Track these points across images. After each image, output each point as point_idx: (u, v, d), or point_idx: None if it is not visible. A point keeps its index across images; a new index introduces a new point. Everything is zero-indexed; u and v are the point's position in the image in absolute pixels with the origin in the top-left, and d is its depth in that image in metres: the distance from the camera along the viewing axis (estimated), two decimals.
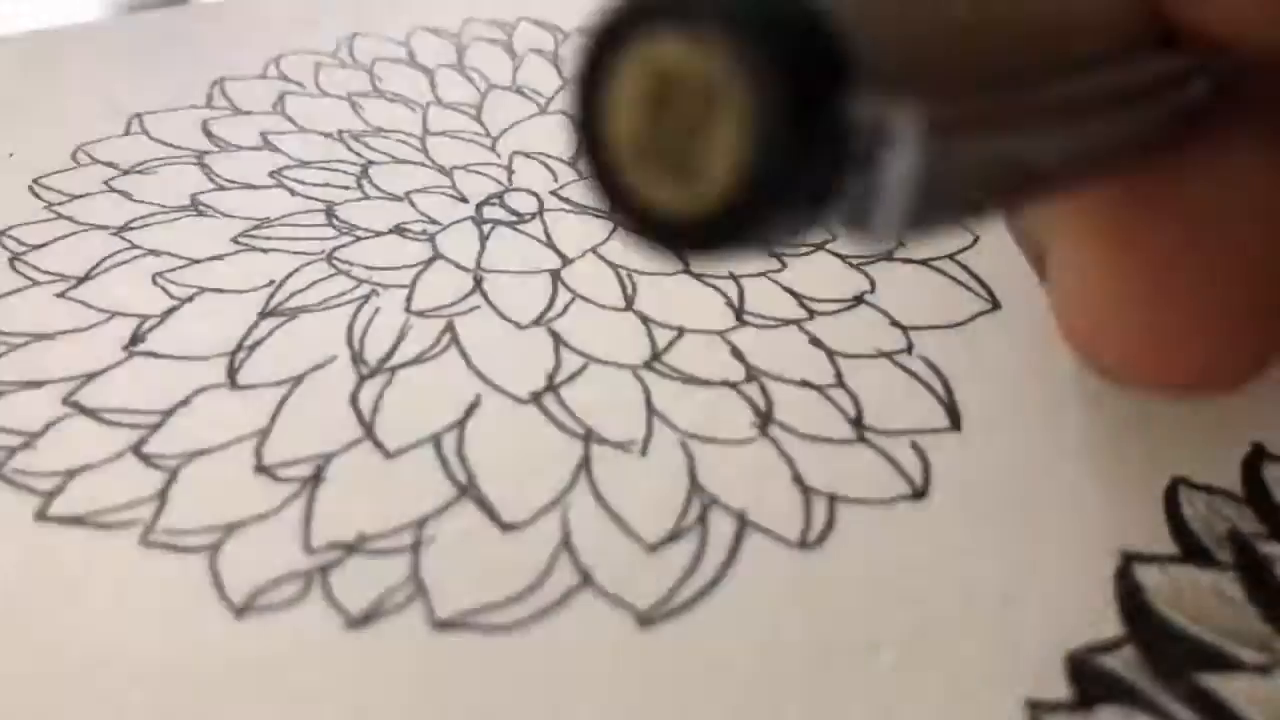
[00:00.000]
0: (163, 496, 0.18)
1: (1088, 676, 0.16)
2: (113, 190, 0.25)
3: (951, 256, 0.23)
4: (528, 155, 0.26)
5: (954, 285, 0.22)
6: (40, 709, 0.16)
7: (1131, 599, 0.17)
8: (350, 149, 0.26)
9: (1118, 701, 0.15)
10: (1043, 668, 0.16)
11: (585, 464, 0.19)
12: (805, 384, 0.20)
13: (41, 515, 0.18)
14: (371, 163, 0.26)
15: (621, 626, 0.17)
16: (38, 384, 0.20)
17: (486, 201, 0.24)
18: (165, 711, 0.16)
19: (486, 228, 0.24)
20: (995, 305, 0.22)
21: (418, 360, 0.21)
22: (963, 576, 0.17)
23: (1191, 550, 0.17)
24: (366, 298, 0.22)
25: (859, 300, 0.22)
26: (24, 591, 0.17)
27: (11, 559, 0.17)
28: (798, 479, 0.19)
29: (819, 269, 0.23)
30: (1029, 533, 0.18)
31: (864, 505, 0.18)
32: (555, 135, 0.27)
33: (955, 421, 0.20)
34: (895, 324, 0.21)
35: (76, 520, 0.18)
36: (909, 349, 0.21)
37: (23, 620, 0.17)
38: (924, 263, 0.23)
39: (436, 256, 0.23)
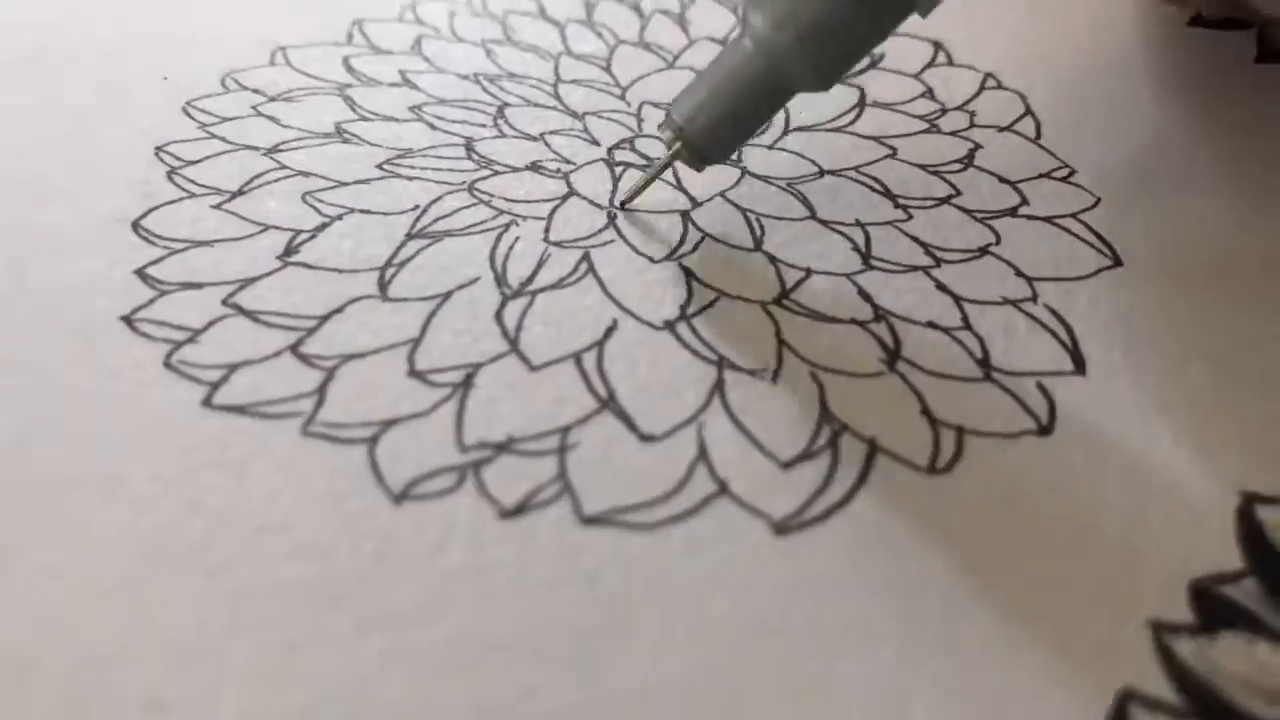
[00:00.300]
0: (321, 392, 0.19)
1: (1211, 603, 0.16)
2: (260, 114, 0.26)
3: (1075, 215, 0.23)
4: (656, 105, 0.27)
5: (1077, 242, 0.23)
6: (208, 569, 0.17)
7: (1253, 536, 0.17)
8: (486, 90, 0.27)
9: (1240, 628, 0.16)
10: (1165, 593, 0.17)
11: (719, 387, 0.20)
12: (932, 325, 0.21)
13: (207, 403, 0.19)
14: (507, 104, 0.27)
15: (758, 533, 0.17)
16: (198, 285, 0.21)
17: (618, 145, 0.25)
18: (327, 584, 0.17)
19: (618, 169, 0.25)
20: (1118, 262, 0.22)
21: (557, 285, 0.22)
22: (1087, 507, 0.18)
23: None
24: (506, 226, 0.23)
25: (984, 251, 0.22)
26: (194, 467, 0.18)
27: (181, 439, 0.18)
28: (926, 411, 0.19)
29: (944, 221, 0.23)
30: (1152, 471, 0.18)
31: (991, 438, 0.19)
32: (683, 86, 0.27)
33: (1080, 366, 0.20)
34: (1020, 274, 0.22)
35: (240, 409, 0.19)
36: (1034, 298, 0.21)
37: (191, 492, 0.18)
38: (1048, 220, 0.23)
39: (571, 193, 0.24)
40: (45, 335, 0.20)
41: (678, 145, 0.22)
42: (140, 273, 0.21)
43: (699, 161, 0.22)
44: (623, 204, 0.24)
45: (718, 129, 0.22)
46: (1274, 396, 0.20)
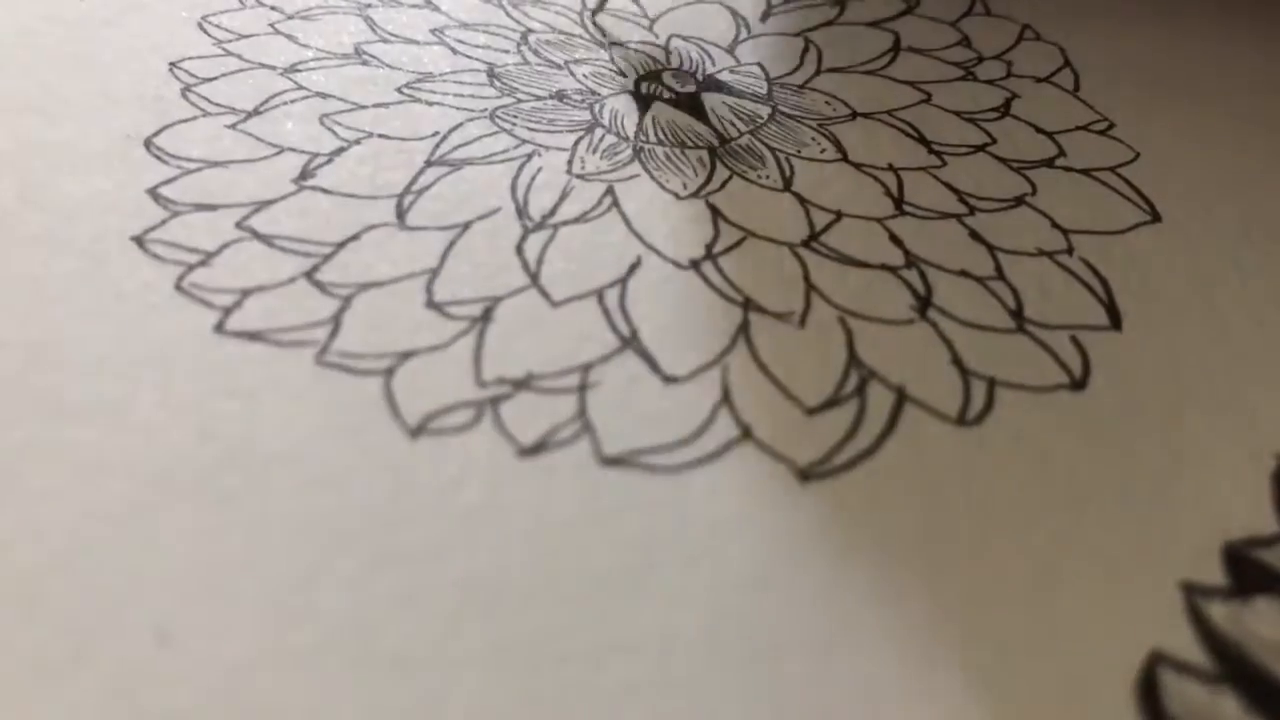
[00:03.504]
0: (336, 321, 0.19)
1: (1245, 567, 0.16)
2: (278, 33, 0.25)
3: (1113, 169, 0.23)
4: (685, 38, 0.26)
5: (1115, 196, 0.22)
6: (219, 499, 0.16)
7: None
8: (510, 15, 0.26)
9: (1276, 593, 0.16)
10: (1199, 554, 0.16)
11: (744, 329, 0.19)
12: (965, 274, 0.20)
13: (220, 328, 0.19)
14: (531, 30, 0.26)
15: (782, 480, 0.17)
16: (211, 207, 0.21)
17: (644, 77, 0.25)
18: (340, 518, 0.16)
19: (645, 101, 0.24)
20: (1156, 218, 0.22)
21: (580, 219, 0.21)
22: (1121, 464, 0.17)
23: None
24: (529, 157, 0.22)
25: (1019, 201, 0.22)
26: (205, 394, 0.18)
27: (192, 365, 0.18)
28: (957, 361, 0.19)
29: (979, 169, 0.23)
30: (1188, 430, 0.18)
31: (1023, 390, 0.18)
32: (712, 22, 0.27)
33: (1115, 321, 0.20)
34: (1056, 226, 0.21)
35: (254, 336, 0.19)
36: (1070, 250, 0.21)
37: (202, 420, 0.17)
38: (1085, 172, 0.23)
39: (596, 124, 0.23)
40: (54, 255, 0.19)
41: None
42: (152, 192, 0.21)
43: None
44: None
45: None
46: None
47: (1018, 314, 0.20)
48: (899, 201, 0.22)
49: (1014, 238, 0.21)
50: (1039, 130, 0.24)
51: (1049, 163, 0.23)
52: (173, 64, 0.24)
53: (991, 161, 0.23)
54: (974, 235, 0.21)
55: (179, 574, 0.15)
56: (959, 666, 0.15)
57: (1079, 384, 0.19)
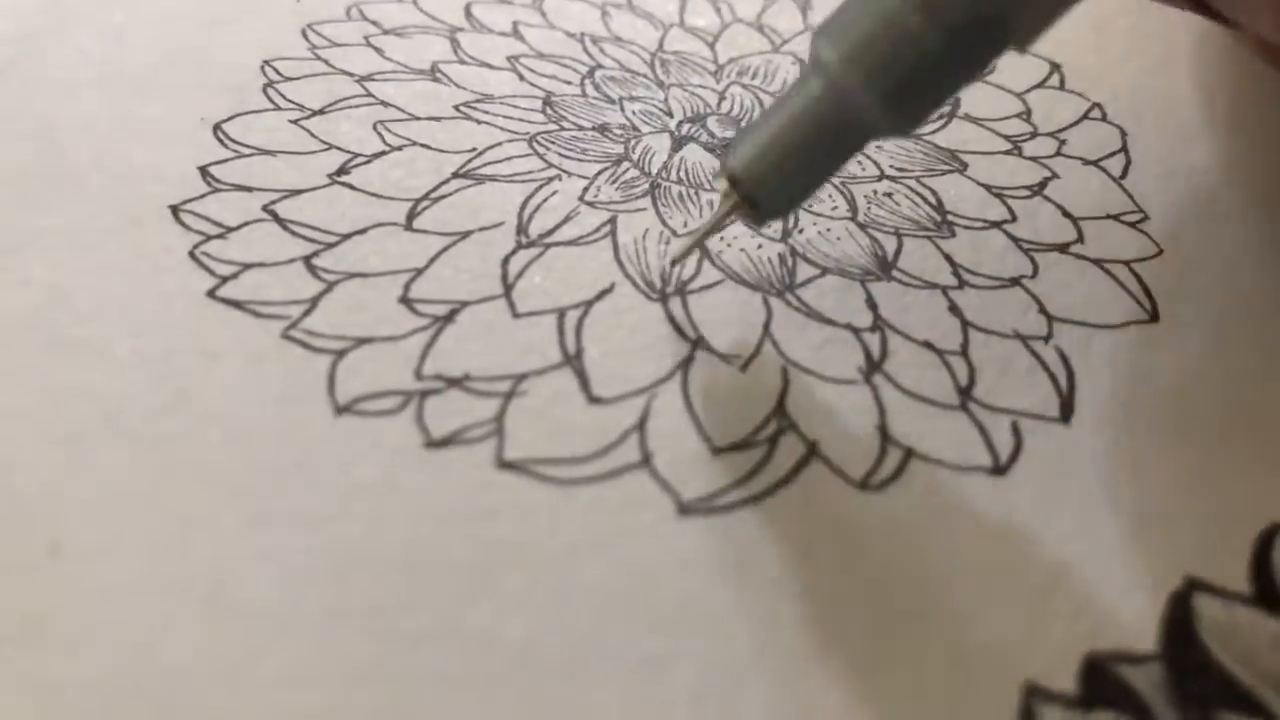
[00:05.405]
0: (314, 302, 0.20)
1: (1100, 679, 0.15)
2: (369, 45, 0.27)
3: (1129, 263, 0.22)
4: (744, 86, 0.26)
5: (1119, 290, 0.21)
6: (152, 439, 0.18)
7: (1179, 624, 0.16)
8: (587, 50, 0.27)
9: (1121, 710, 0.15)
10: (1057, 658, 0.15)
11: (685, 364, 0.19)
12: (928, 345, 0.20)
13: (212, 294, 0.20)
14: (600, 66, 0.27)
15: (662, 510, 0.17)
16: (248, 189, 0.23)
17: (688, 119, 0.25)
18: (242, 475, 0.17)
19: (680, 142, 0.25)
20: (1154, 319, 0.21)
21: (573, 242, 0.22)
22: (1013, 557, 0.17)
23: (1266, 595, 0.16)
24: (549, 180, 0.23)
25: (1015, 282, 0.21)
26: (175, 349, 0.19)
27: (174, 321, 0.20)
28: (882, 427, 0.18)
29: (986, 245, 0.22)
30: (1099, 536, 0.17)
31: (938, 466, 0.18)
32: (780, 74, 0.27)
33: (1066, 415, 0.19)
34: (1043, 311, 0.21)
35: (237, 304, 0.20)
36: (1048, 337, 0.20)
37: (163, 371, 0.19)
38: (1097, 262, 0.22)
39: (625, 158, 0.24)
40: (99, 212, 0.22)
41: (734, 199, 0.18)
42: (203, 169, 0.23)
43: (758, 216, 0.19)
44: (673, 263, 0.21)
45: (780, 179, 0.18)
46: (1266, 484, 0.18)
47: (965, 391, 0.19)
48: (889, 265, 0.21)
49: (993, 317, 0.20)
50: (1065, 214, 0.23)
51: (1062, 247, 0.22)
52: (266, 61, 0.26)
53: (1003, 239, 0.22)
54: (953, 308, 0.21)
55: (88, 497, 0.17)
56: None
57: (1000, 469, 0.18)
